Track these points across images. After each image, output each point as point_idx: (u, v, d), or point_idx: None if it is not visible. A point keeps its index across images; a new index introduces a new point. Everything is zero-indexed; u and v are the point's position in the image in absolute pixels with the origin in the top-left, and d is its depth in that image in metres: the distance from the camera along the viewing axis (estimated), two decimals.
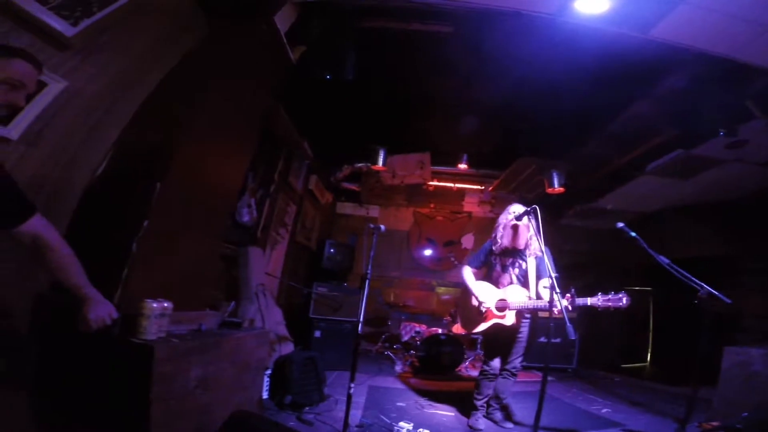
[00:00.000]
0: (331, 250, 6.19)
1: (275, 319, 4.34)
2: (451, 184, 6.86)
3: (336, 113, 4.75)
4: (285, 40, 2.84)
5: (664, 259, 2.52)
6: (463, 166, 5.79)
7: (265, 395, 2.99)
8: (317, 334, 4.72)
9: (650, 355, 6.22)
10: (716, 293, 2.35)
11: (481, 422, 2.96)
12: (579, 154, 5.11)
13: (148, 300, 2.00)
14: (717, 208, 5.45)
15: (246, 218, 4.24)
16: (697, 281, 2.42)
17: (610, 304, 2.51)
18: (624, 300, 2.50)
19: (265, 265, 4.72)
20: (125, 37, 2.11)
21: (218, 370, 2.25)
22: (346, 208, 7.46)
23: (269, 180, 4.69)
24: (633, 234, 2.59)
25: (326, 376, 3.50)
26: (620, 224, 2.68)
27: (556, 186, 5.46)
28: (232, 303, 3.76)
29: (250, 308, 4.00)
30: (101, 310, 1.55)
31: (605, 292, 2.56)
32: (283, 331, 4.31)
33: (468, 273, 3.16)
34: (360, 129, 5.23)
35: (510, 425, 3.01)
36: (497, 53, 3.22)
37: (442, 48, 3.28)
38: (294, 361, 3.20)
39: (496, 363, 3.00)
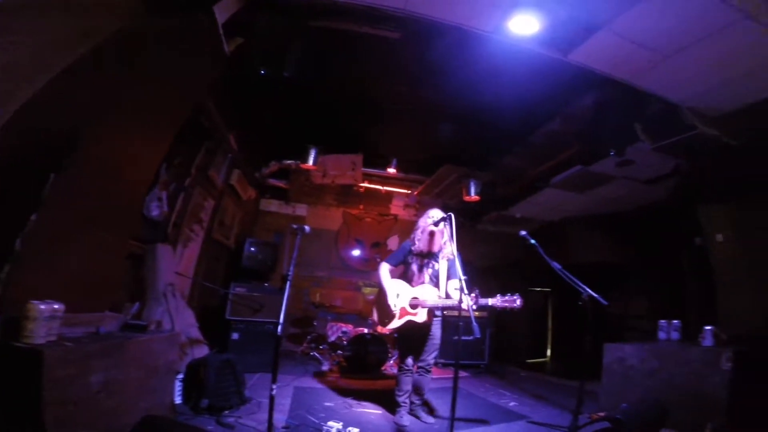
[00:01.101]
0: (252, 249, 5.88)
1: (187, 321, 4.02)
2: (381, 187, 6.97)
3: (268, 108, 4.58)
4: (221, 32, 2.67)
5: (556, 265, 2.83)
6: (392, 170, 5.92)
7: (178, 400, 2.75)
8: (235, 336, 4.45)
9: (550, 352, 6.92)
10: (595, 296, 2.68)
11: (406, 418, 3.05)
12: (498, 165, 5.53)
13: (34, 301, 1.83)
14: (608, 219, 6.26)
15: (155, 213, 3.84)
16: (580, 284, 2.73)
17: (506, 304, 2.72)
18: (518, 301, 2.70)
19: (176, 264, 4.34)
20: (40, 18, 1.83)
21: (123, 374, 2.12)
22: (272, 205, 7.15)
23: (185, 173, 4.33)
24: (532, 241, 2.89)
25: (246, 378, 3.31)
26: (523, 232, 2.99)
27: (472, 194, 5.85)
28: (136, 304, 3.41)
29: (157, 310, 3.65)
30: None
31: (503, 294, 2.78)
32: (195, 333, 3.99)
33: (385, 271, 3.26)
34: (292, 126, 5.09)
35: (431, 419, 3.14)
36: (438, 64, 3.37)
37: (387, 54, 3.33)
38: (209, 363, 3.04)
39: (410, 359, 3.16)
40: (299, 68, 3.19)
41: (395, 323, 3.09)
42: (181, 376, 2.94)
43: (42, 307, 1.82)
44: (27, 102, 1.85)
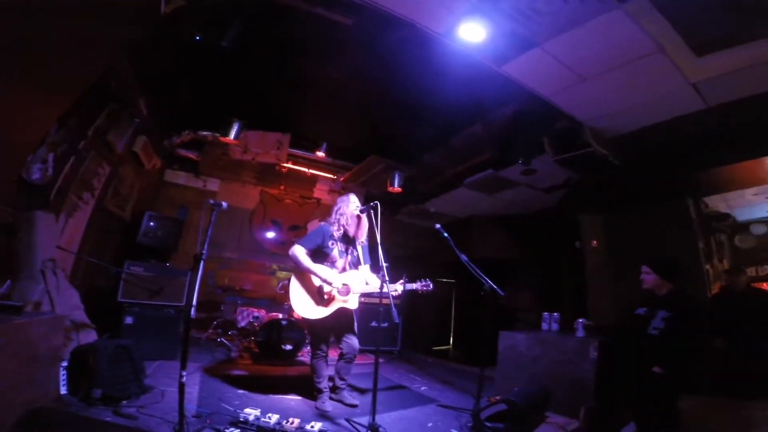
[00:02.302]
0: (151, 224, 5.28)
1: (70, 303, 3.50)
2: (306, 169, 6.76)
3: (191, 75, 4.16)
4: None
5: (464, 257, 3.10)
6: (321, 153, 5.80)
7: (63, 390, 2.39)
8: (129, 320, 3.97)
9: (452, 339, 7.50)
10: (495, 287, 3.01)
11: (328, 404, 3.03)
12: (422, 161, 5.78)
13: None
14: (508, 220, 6.98)
15: (36, 176, 3.26)
16: (483, 277, 3.04)
17: (424, 288, 3.02)
18: (431, 285, 3.04)
19: (58, 237, 3.73)
20: None
21: None
22: (179, 177, 6.46)
23: (80, 134, 3.75)
24: (446, 235, 3.13)
25: (145, 366, 2.99)
26: (438, 225, 3.22)
27: (396, 186, 6.07)
28: (7, 282, 2.86)
29: (34, 289, 3.14)
30: None
31: (418, 280, 3.06)
32: (81, 316, 3.50)
33: (304, 254, 3.07)
34: (215, 96, 4.67)
35: (356, 402, 3.15)
36: (382, 56, 3.39)
37: (335, 37, 3.25)
38: (99, 349, 2.70)
39: (324, 345, 3.18)
40: (239, 39, 2.94)
41: (325, 310, 3.03)
42: (65, 363, 2.55)
43: None
44: None
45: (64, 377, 2.48)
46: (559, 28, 2.60)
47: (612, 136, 3.90)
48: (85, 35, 2.37)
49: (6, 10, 1.88)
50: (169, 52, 3.67)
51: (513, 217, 6.90)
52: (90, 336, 3.35)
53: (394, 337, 5.85)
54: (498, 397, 3.30)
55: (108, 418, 2.14)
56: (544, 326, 4.21)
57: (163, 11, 2.54)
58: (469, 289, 6.99)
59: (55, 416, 1.72)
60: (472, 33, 2.73)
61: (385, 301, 2.61)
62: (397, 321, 2.65)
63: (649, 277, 3.01)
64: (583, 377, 3.15)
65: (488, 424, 2.80)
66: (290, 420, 2.35)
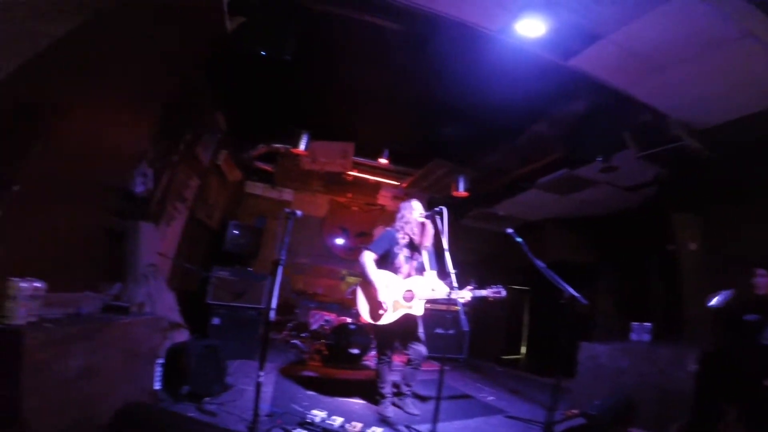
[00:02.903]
0: (235, 232, 5.78)
1: (167, 304, 3.93)
2: (370, 177, 6.91)
3: (262, 90, 4.47)
4: (226, 9, 2.57)
5: (540, 263, 2.90)
6: (383, 160, 5.89)
7: (158, 386, 2.71)
8: (216, 321, 4.38)
9: (525, 348, 7.13)
10: (577, 295, 2.77)
11: (390, 409, 3.05)
12: (486, 163, 5.59)
13: (15, 279, 1.73)
14: (585, 221, 6.46)
15: (140, 188, 3.72)
16: (563, 284, 2.81)
17: (496, 295, 2.88)
18: (503, 292, 2.88)
19: (158, 244, 4.21)
20: None
21: (103, 358, 2.04)
22: (257, 188, 7.02)
23: (173, 149, 4.19)
24: (519, 239, 2.95)
25: (228, 365, 3.27)
26: (509, 230, 3.05)
27: (461, 190, 5.92)
28: (117, 284, 3.30)
29: (138, 291, 3.55)
30: None
31: (489, 286, 2.92)
32: (176, 317, 3.92)
33: (370, 260, 3.11)
34: (283, 109, 4.97)
35: (417, 411, 3.14)
36: (438, 58, 3.35)
37: (387, 44, 3.30)
38: (190, 349, 2.97)
39: (390, 351, 3.18)
40: (300, 51, 3.12)
41: (390, 316, 3.04)
42: (161, 361, 2.88)
43: (23, 285, 1.72)
44: (13, 71, 1.75)
45: (159, 374, 2.78)
46: (626, 17, 2.38)
47: (704, 127, 3.43)
48: (162, 52, 2.65)
49: (104, 42, 2.18)
50: (239, 68, 3.93)
51: (590, 218, 6.37)
52: (183, 335, 3.73)
53: (461, 344, 5.71)
54: (575, 411, 3.08)
55: (191, 414, 2.38)
56: (634, 336, 3.90)
57: (228, 28, 2.75)
58: (545, 296, 6.61)
59: (148, 410, 1.93)
60: (530, 28, 2.60)
61: (453, 308, 2.56)
62: (466, 328, 2.56)
63: (764, 281, 2.63)
64: (676, 390, 2.87)
65: None
66: (353, 424, 2.42)
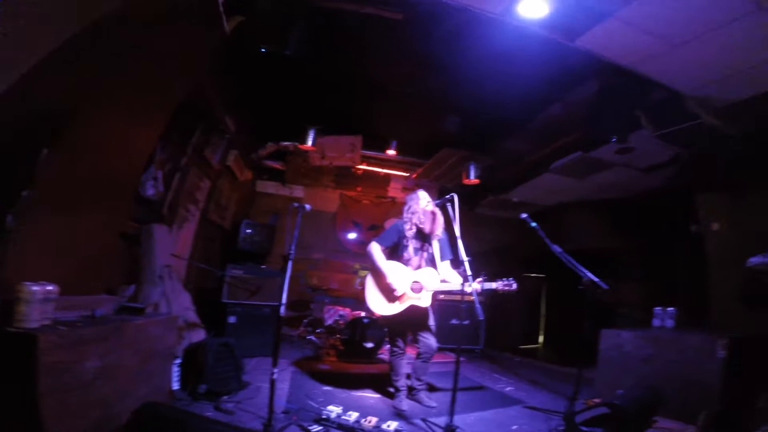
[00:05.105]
0: (248, 231, 5.84)
1: (183, 305, 3.99)
2: (379, 169, 6.88)
3: (267, 88, 4.47)
4: (222, 10, 2.56)
5: (557, 248, 2.82)
6: (392, 152, 5.83)
7: (175, 386, 2.74)
8: (232, 319, 4.43)
9: (542, 338, 7.01)
10: (597, 280, 2.68)
11: (405, 403, 3.04)
12: (498, 149, 5.47)
13: (27, 283, 1.77)
14: (604, 206, 6.26)
15: (150, 192, 3.77)
16: (582, 269, 2.73)
17: (506, 288, 2.80)
18: (514, 285, 2.80)
19: (172, 245, 4.28)
20: None
21: (119, 359, 2.08)
22: (268, 187, 7.06)
23: (181, 152, 4.24)
24: (534, 224, 2.87)
25: (245, 363, 3.30)
26: (524, 215, 2.97)
27: (472, 177, 5.82)
28: (132, 286, 3.37)
29: (153, 292, 3.62)
30: None
31: (500, 278, 2.84)
32: (192, 317, 3.97)
33: (378, 251, 3.12)
34: (289, 106, 4.96)
35: (434, 403, 3.12)
36: (441, 45, 3.27)
37: (390, 34, 3.24)
38: (207, 348, 3.01)
39: (402, 342, 3.15)
40: (300, 47, 3.09)
41: (397, 307, 3.04)
42: (178, 360, 2.92)
43: (35, 288, 1.76)
44: (22, 76, 1.76)
45: (177, 373, 2.82)
46: None
47: (724, 104, 3.25)
48: (164, 57, 2.65)
49: (108, 47, 2.18)
50: (242, 68, 3.94)
51: (609, 202, 6.17)
52: (200, 335, 3.79)
53: (477, 335, 5.63)
54: (597, 400, 3.01)
55: (209, 413, 2.40)
56: (656, 322, 3.77)
57: (227, 29, 2.73)
58: (563, 284, 6.47)
59: (165, 410, 1.95)
60: (533, 8, 2.50)
61: (468, 297, 2.51)
62: (481, 318, 2.48)
63: None
64: (705, 379, 2.78)
65: (584, 428, 2.53)
66: (368, 419, 2.40)
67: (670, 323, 3.71)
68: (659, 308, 3.82)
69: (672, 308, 3.77)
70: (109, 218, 2.89)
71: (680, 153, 4.45)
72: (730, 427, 2.56)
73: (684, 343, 3.03)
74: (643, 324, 4.08)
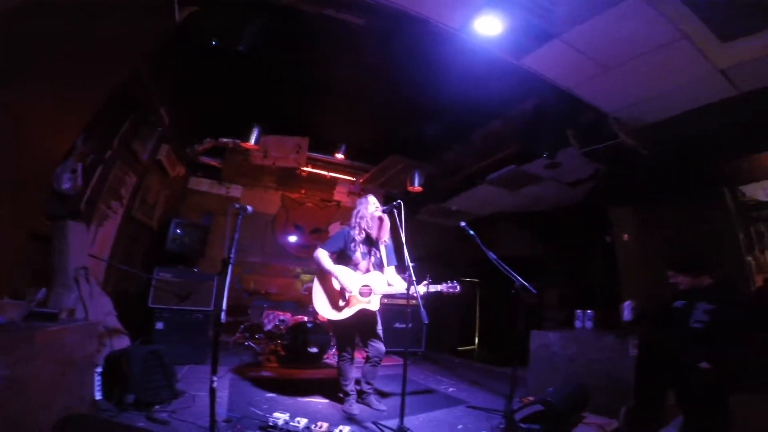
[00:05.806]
0: (178, 231, 5.42)
1: (103, 309, 3.59)
2: (325, 172, 6.79)
3: (211, 82, 4.22)
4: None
5: (492, 255, 3.01)
6: (340, 155, 5.80)
7: (98, 396, 2.44)
8: (159, 325, 4.06)
9: (478, 339, 7.36)
10: (527, 285, 2.90)
11: (355, 407, 3.00)
12: (441, 159, 5.70)
13: None
14: (533, 216, 6.80)
15: (67, 186, 3.35)
16: (514, 274, 2.94)
17: (450, 290, 2.97)
18: (458, 287, 2.98)
19: (89, 245, 3.84)
20: None
21: (31, 369, 1.85)
22: (202, 184, 6.60)
23: (106, 144, 3.85)
24: (471, 232, 3.04)
25: (176, 370, 3.03)
26: (463, 223, 3.14)
27: (416, 185, 5.99)
28: (42, 290, 2.95)
29: (68, 296, 3.22)
30: None
31: (444, 281, 3.00)
32: (114, 322, 3.59)
33: (325, 257, 3.10)
34: (233, 103, 4.73)
35: (383, 407, 3.12)
36: (396, 55, 3.34)
37: (347, 39, 3.24)
38: (131, 355, 2.76)
39: (350, 348, 3.15)
40: (254, 43, 2.96)
41: (347, 312, 3.02)
42: (99, 369, 2.61)
43: None
44: None
45: (99, 383, 2.54)
46: (578, 17, 2.51)
47: (640, 126, 3.73)
48: (102, 43, 2.42)
49: (36, 28, 1.93)
50: (187, 59, 3.72)
51: (537, 213, 6.72)
52: (123, 341, 3.43)
53: (419, 338, 5.78)
54: (531, 398, 3.20)
55: (141, 424, 2.18)
56: (578, 324, 4.07)
57: (177, 18, 2.56)
58: (495, 288, 6.87)
59: (89, 422, 1.74)
60: (488, 26, 2.66)
61: (412, 302, 2.57)
62: (426, 321, 2.54)
63: (679, 279, 2.85)
64: (623, 375, 3.05)
65: (523, 425, 2.70)
66: (319, 424, 2.33)
67: (589, 324, 4.07)
68: (580, 311, 4.18)
69: (590, 310, 4.16)
70: (16, 213, 2.52)
71: (599, 169, 4.99)
72: (645, 420, 2.82)
73: (602, 343, 3.32)
74: (566, 325, 4.46)
